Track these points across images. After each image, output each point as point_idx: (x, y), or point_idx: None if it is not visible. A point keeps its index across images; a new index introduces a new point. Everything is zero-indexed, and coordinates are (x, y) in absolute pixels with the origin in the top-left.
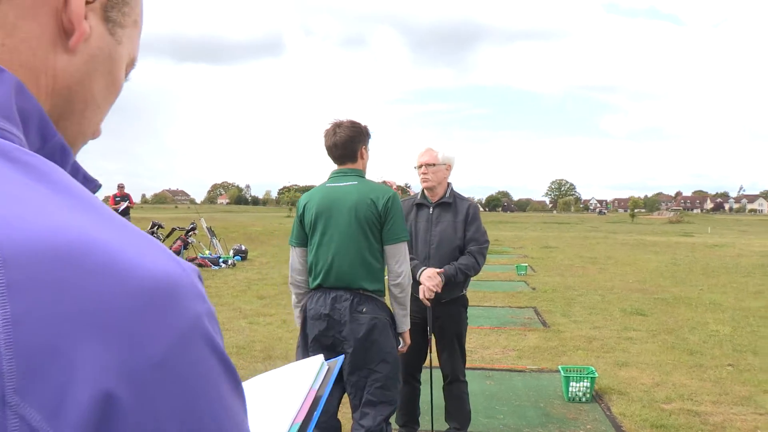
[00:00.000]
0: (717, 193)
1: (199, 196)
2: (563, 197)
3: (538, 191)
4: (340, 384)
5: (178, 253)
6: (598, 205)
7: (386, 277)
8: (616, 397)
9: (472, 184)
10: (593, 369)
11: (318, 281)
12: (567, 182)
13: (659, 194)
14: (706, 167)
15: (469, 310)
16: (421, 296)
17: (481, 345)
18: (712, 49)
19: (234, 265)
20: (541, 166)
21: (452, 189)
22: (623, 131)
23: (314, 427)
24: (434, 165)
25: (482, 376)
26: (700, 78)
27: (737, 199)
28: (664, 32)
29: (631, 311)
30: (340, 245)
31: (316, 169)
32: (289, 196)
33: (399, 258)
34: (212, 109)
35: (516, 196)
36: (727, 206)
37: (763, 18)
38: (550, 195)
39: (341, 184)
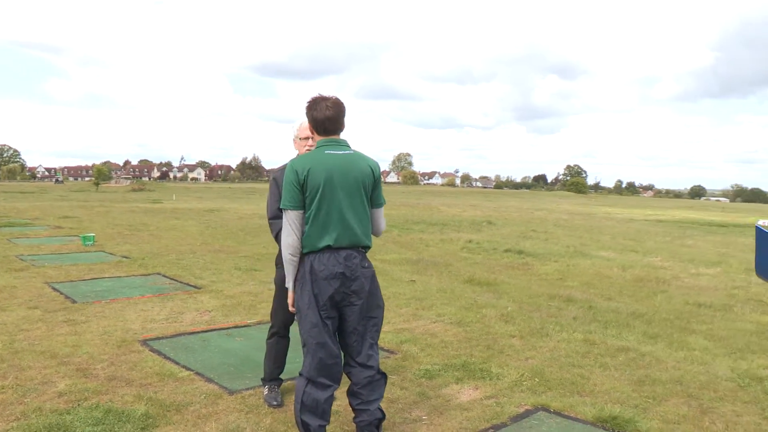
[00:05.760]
0: (161, 163)
1: None
2: (7, 165)
3: None
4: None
5: None
6: (47, 173)
7: None
8: None
9: None
10: None
11: (327, 242)
12: (10, 148)
13: (107, 162)
14: (149, 137)
15: (110, 281)
16: None
17: (175, 311)
18: (150, 24)
19: None
20: None
21: None
22: (69, 97)
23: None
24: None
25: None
26: (145, 51)
27: (180, 168)
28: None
29: (245, 268)
30: (354, 210)
31: None
32: None
33: (382, 218)
34: None
35: None
36: (171, 175)
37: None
38: None
39: (340, 153)
